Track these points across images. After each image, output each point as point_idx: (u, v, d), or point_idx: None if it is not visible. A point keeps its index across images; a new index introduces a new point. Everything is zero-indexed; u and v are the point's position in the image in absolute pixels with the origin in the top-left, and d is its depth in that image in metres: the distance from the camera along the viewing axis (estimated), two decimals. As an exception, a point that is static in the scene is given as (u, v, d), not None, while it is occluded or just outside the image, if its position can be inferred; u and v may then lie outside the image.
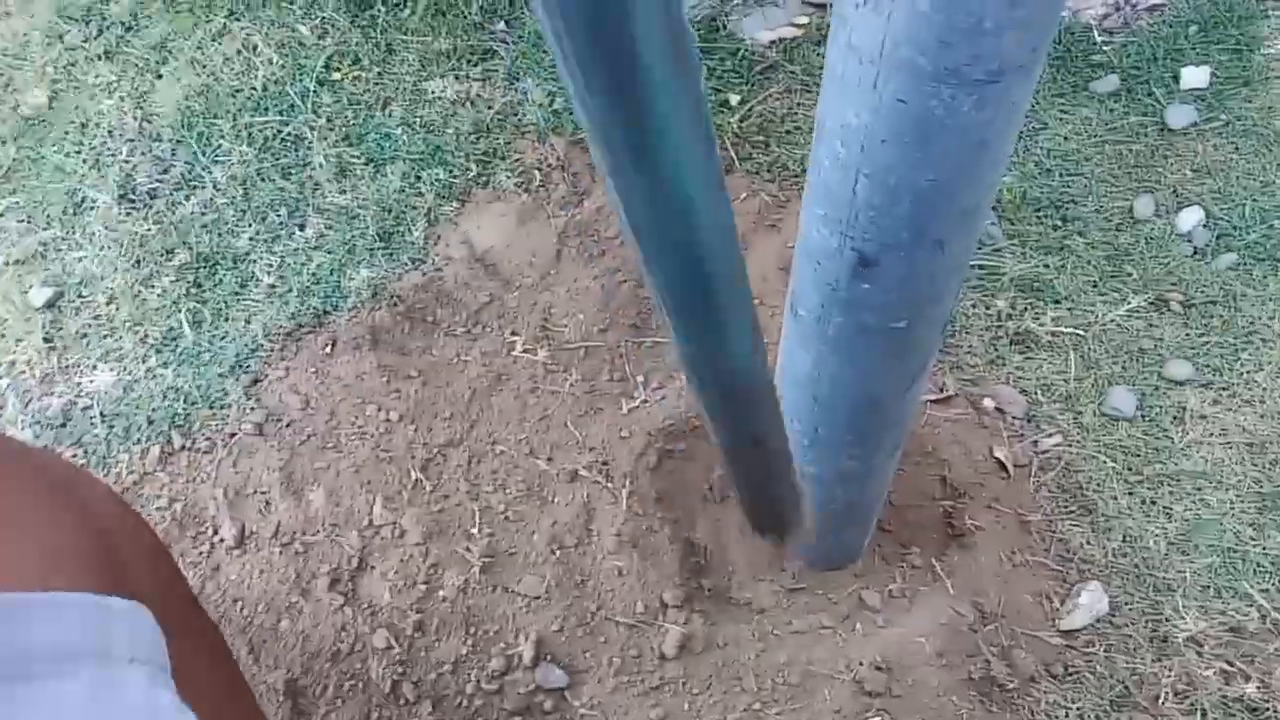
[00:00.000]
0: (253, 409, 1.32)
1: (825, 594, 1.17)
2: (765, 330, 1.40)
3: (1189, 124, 1.54)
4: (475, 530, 1.22)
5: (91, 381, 1.39)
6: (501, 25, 1.69)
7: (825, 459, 0.90)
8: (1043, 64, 0.54)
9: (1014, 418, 1.30)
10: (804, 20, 1.66)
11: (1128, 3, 1.64)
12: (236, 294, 1.44)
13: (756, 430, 0.68)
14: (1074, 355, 1.35)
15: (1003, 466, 1.26)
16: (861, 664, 1.10)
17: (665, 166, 0.43)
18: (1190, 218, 1.45)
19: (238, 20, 1.71)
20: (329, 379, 1.34)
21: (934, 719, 1.07)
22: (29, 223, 1.54)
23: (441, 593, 1.17)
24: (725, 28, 1.66)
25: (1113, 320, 1.38)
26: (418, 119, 1.59)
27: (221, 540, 1.23)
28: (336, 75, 1.64)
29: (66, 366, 1.41)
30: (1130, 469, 1.26)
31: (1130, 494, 1.24)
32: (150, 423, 1.33)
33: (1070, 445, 1.28)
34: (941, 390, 1.32)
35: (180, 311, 1.43)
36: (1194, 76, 1.57)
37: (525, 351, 1.37)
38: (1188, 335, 1.36)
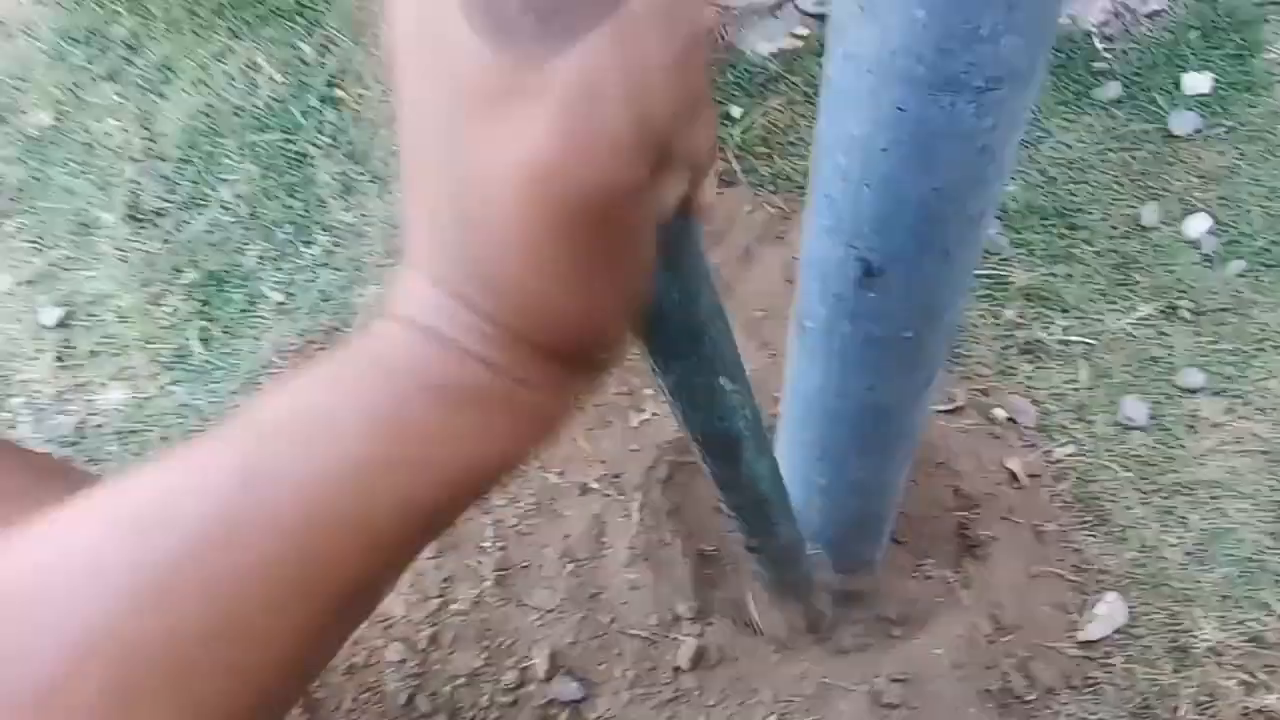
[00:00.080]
0: (262, 426, 1.33)
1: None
2: (772, 342, 1.39)
3: (1193, 130, 1.53)
4: (487, 544, 1.21)
5: (104, 399, 1.40)
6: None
7: (835, 471, 0.90)
8: (1043, 70, 0.54)
9: (1026, 428, 1.29)
10: (804, 31, 1.67)
11: (1128, 9, 1.63)
12: (246, 311, 1.45)
13: (769, 526, 0.71)
14: (1084, 364, 1.34)
15: (1015, 477, 1.25)
16: (878, 676, 1.09)
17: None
18: (1197, 224, 1.44)
19: (240, 39, 1.72)
20: (338, 396, 1.34)
21: (950, 733, 1.06)
22: (38, 243, 1.56)
23: (455, 606, 1.17)
24: (725, 40, 1.67)
25: (1122, 329, 1.37)
26: (424, 136, 1.60)
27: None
28: (339, 93, 1.65)
29: (78, 385, 1.41)
30: (1145, 479, 1.25)
31: (1146, 504, 1.23)
32: (164, 439, 1.34)
33: (1083, 455, 1.27)
34: (952, 401, 1.31)
35: (190, 329, 1.44)
36: (1196, 82, 1.57)
37: (533, 366, 1.37)
38: (1199, 343, 1.35)
